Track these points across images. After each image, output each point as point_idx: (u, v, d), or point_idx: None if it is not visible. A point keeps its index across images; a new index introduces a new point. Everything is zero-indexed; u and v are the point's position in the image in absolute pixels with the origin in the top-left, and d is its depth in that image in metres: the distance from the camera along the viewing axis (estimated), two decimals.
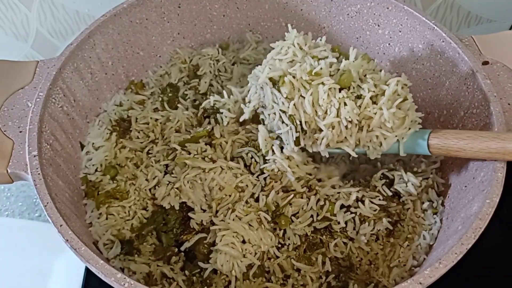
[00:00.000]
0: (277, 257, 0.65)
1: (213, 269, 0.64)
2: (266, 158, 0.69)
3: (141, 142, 0.78)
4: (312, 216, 0.66)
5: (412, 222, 0.68)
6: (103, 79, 0.81)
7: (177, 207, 0.69)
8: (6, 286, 0.81)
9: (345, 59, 0.63)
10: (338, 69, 0.63)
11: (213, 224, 0.66)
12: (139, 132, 0.79)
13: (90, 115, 0.80)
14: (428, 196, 0.70)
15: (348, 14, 0.82)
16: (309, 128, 0.63)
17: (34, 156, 0.62)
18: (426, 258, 0.65)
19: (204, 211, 0.69)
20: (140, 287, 0.51)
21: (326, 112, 0.62)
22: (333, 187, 0.69)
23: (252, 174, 0.70)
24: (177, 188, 0.69)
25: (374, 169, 0.73)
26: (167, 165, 0.74)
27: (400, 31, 0.78)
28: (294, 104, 0.62)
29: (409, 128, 0.62)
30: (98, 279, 0.54)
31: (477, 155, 0.59)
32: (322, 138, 0.63)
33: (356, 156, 0.64)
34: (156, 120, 0.79)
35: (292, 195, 0.67)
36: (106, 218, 0.70)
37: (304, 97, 0.62)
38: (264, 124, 0.70)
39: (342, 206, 0.66)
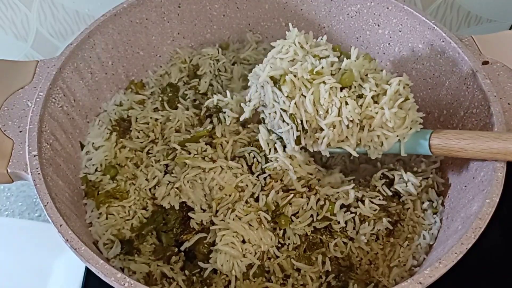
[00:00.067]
0: (277, 257, 0.65)
1: (213, 269, 0.64)
2: (268, 156, 0.69)
3: (141, 142, 0.78)
4: (312, 215, 0.66)
5: (412, 222, 0.68)
6: (103, 79, 0.81)
7: (177, 207, 0.69)
8: (5, 286, 0.81)
9: (346, 59, 0.63)
10: (340, 68, 0.63)
11: (213, 224, 0.66)
12: (139, 132, 0.79)
13: (90, 115, 0.80)
14: (428, 196, 0.70)
15: (348, 14, 0.82)
16: (310, 127, 0.63)
17: (34, 156, 0.62)
18: (426, 258, 0.65)
19: (204, 211, 0.69)
20: (140, 287, 0.51)
21: (327, 111, 0.61)
22: (332, 186, 0.69)
23: (253, 173, 0.70)
24: (177, 188, 0.69)
25: (374, 169, 0.73)
26: (167, 165, 0.74)
27: (400, 31, 0.78)
28: (295, 103, 0.62)
29: (410, 128, 0.62)
30: (98, 279, 0.54)
31: (478, 155, 0.59)
32: (323, 138, 0.63)
33: (357, 155, 0.64)
34: (156, 120, 0.79)
35: (292, 195, 0.67)
36: (106, 218, 0.70)
37: (305, 96, 0.61)
38: (264, 123, 0.70)
39: (342, 206, 0.66)
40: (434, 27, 0.73)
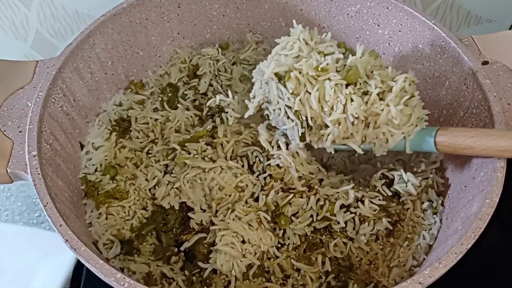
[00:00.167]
0: (277, 257, 0.65)
1: (212, 269, 0.64)
2: (271, 153, 0.69)
3: (141, 142, 0.78)
4: (312, 216, 0.66)
5: (412, 222, 0.68)
6: (103, 79, 0.81)
7: (176, 207, 0.69)
8: None
9: (352, 55, 0.62)
10: (345, 65, 0.62)
11: (212, 224, 0.66)
12: (138, 132, 0.79)
13: (90, 115, 0.80)
14: (428, 196, 0.70)
15: (348, 14, 0.82)
16: (315, 124, 0.63)
17: (34, 156, 0.62)
18: (426, 258, 0.65)
19: (204, 211, 0.69)
20: (140, 287, 0.51)
21: (332, 108, 0.61)
22: (332, 187, 0.69)
23: (253, 173, 0.70)
24: (176, 188, 0.69)
25: (374, 169, 0.73)
26: (167, 165, 0.74)
27: (400, 31, 0.78)
28: (300, 100, 0.61)
29: (416, 125, 0.62)
30: (98, 279, 0.54)
31: (485, 152, 0.59)
32: (328, 134, 0.62)
33: (362, 152, 0.64)
34: (156, 120, 0.79)
35: (292, 195, 0.67)
36: (106, 218, 0.70)
37: (310, 93, 0.61)
38: (268, 120, 0.69)
39: (342, 206, 0.66)
40: (434, 27, 0.73)
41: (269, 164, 0.69)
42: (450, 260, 0.52)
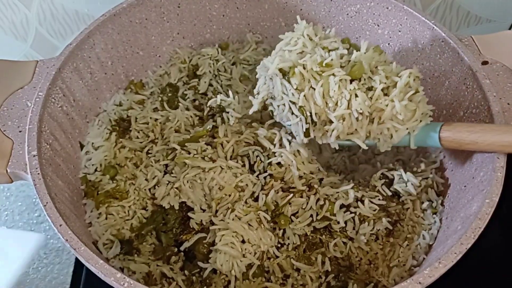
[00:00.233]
0: (277, 256, 0.65)
1: (212, 269, 0.64)
2: (273, 150, 0.69)
3: (141, 142, 0.78)
4: (311, 215, 0.66)
5: (411, 222, 0.68)
6: (103, 79, 0.81)
7: (176, 207, 0.69)
8: None
9: (356, 51, 0.62)
10: (349, 61, 0.62)
11: (212, 224, 0.66)
12: (138, 132, 0.79)
13: (89, 115, 0.80)
14: (428, 196, 0.70)
15: (347, 14, 0.82)
16: (319, 119, 0.62)
17: (34, 156, 0.62)
18: (425, 258, 0.65)
19: (204, 210, 0.69)
20: (139, 287, 0.51)
21: (336, 104, 0.61)
22: (332, 186, 0.69)
23: (254, 172, 0.70)
24: (176, 188, 0.69)
25: (374, 169, 0.73)
26: (166, 165, 0.74)
27: (399, 31, 0.78)
28: (304, 96, 0.61)
29: (420, 121, 0.62)
30: (98, 279, 0.54)
31: (490, 148, 0.59)
32: (333, 130, 0.62)
33: (366, 148, 0.64)
34: (156, 120, 0.79)
35: (292, 195, 0.67)
36: (106, 218, 0.70)
37: (314, 88, 0.61)
38: (273, 116, 0.69)
39: (341, 206, 0.66)
40: (433, 27, 0.73)
41: (270, 164, 0.69)
42: (450, 260, 0.52)
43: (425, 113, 0.62)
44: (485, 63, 0.72)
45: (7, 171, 0.63)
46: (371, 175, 0.71)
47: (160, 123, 0.79)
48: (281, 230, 0.66)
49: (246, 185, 0.69)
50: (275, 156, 0.69)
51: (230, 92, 0.76)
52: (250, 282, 0.63)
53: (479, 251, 0.56)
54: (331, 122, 0.62)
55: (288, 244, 0.66)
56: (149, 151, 0.76)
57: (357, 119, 0.61)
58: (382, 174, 0.70)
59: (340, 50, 0.63)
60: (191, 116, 0.79)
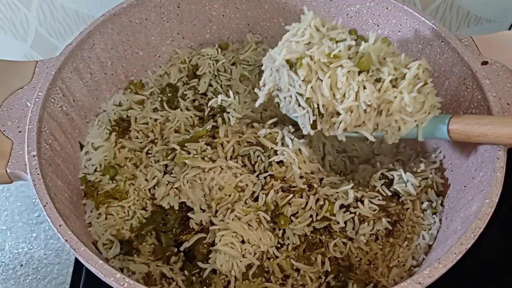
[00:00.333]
0: (277, 257, 0.65)
1: (212, 269, 0.64)
2: (275, 148, 0.69)
3: (141, 142, 0.78)
4: (311, 216, 0.66)
5: (411, 222, 0.68)
6: (103, 79, 0.81)
7: (176, 207, 0.69)
8: None
9: (364, 42, 0.61)
10: (357, 52, 0.61)
11: (212, 224, 0.66)
12: (138, 132, 0.79)
13: (89, 115, 0.80)
14: (428, 196, 0.70)
15: (347, 14, 0.82)
16: (326, 111, 0.62)
17: (33, 156, 0.62)
18: (425, 258, 0.65)
19: (204, 211, 0.69)
20: (139, 287, 0.51)
21: (344, 96, 0.60)
22: (332, 187, 0.69)
23: (254, 172, 0.70)
24: (176, 188, 0.69)
25: (374, 169, 0.73)
26: (166, 165, 0.74)
27: (399, 31, 0.78)
28: (311, 87, 0.60)
29: (429, 113, 0.61)
30: (98, 279, 0.54)
31: (499, 140, 0.59)
32: (340, 122, 0.62)
33: (374, 140, 0.63)
34: (156, 120, 0.79)
35: (292, 195, 0.67)
36: (106, 218, 0.70)
37: (321, 80, 0.60)
38: (279, 107, 0.68)
39: (341, 206, 0.66)
40: (433, 27, 0.73)
41: (271, 164, 0.69)
42: (450, 260, 0.52)
43: (434, 105, 0.61)
44: (485, 63, 0.72)
45: (6, 171, 0.63)
46: (371, 175, 0.71)
47: (160, 123, 0.79)
48: (281, 230, 0.66)
49: (246, 185, 0.69)
50: (277, 154, 0.69)
51: (230, 92, 0.76)
52: (250, 282, 0.63)
53: (479, 251, 0.56)
54: (338, 114, 0.61)
55: (288, 244, 0.66)
56: (149, 151, 0.76)
57: (365, 111, 0.60)
58: (382, 174, 0.70)
59: (347, 41, 0.62)
60: (191, 116, 0.79)
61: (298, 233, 0.66)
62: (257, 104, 0.69)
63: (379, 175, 0.70)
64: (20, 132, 0.67)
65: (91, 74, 0.78)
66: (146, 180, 0.73)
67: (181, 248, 0.67)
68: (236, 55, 0.87)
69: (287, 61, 0.62)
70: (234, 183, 0.68)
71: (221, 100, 0.75)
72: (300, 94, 0.62)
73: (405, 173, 0.69)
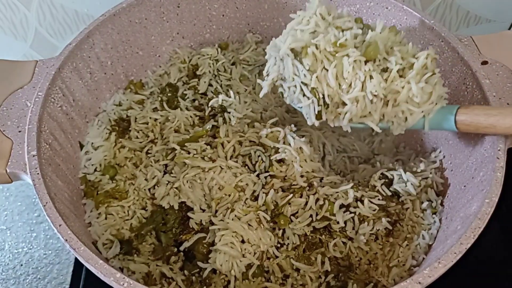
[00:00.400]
0: (276, 256, 0.65)
1: (212, 269, 0.64)
2: (277, 147, 0.69)
3: (140, 142, 0.78)
4: (311, 215, 0.66)
5: (411, 222, 0.68)
6: (102, 78, 0.81)
7: (176, 207, 0.69)
8: None
9: (371, 31, 0.60)
10: (363, 41, 0.60)
11: (212, 223, 0.66)
12: (138, 132, 0.79)
13: (89, 115, 0.80)
14: (427, 196, 0.70)
15: None
16: (331, 101, 0.60)
17: (33, 156, 0.62)
18: (425, 257, 0.65)
19: (204, 210, 0.69)
20: (139, 287, 0.51)
21: (350, 86, 0.59)
22: (332, 186, 0.69)
23: (254, 172, 0.70)
24: (176, 188, 0.69)
25: (373, 169, 0.73)
26: (166, 165, 0.74)
27: None
28: (317, 77, 0.59)
29: (436, 104, 0.60)
30: (97, 279, 0.54)
31: (508, 131, 0.58)
32: (346, 113, 0.60)
33: (380, 131, 0.62)
34: (155, 120, 0.79)
35: (292, 195, 0.67)
36: (105, 218, 0.70)
37: (327, 70, 0.59)
38: (283, 97, 0.67)
39: (341, 206, 0.66)
40: (433, 27, 0.73)
41: (272, 164, 0.69)
42: (450, 260, 0.52)
43: (441, 95, 0.60)
44: (484, 63, 0.72)
45: (6, 171, 0.63)
46: (371, 175, 0.71)
47: (159, 123, 0.79)
48: (281, 230, 0.66)
49: (246, 184, 0.69)
50: (279, 152, 0.69)
51: (231, 92, 0.75)
52: (249, 282, 0.63)
53: (479, 251, 0.56)
54: (344, 104, 0.60)
55: (288, 244, 0.66)
56: (149, 151, 0.76)
57: (371, 101, 0.59)
58: (382, 174, 0.70)
59: (354, 30, 0.60)
60: (191, 116, 0.79)
61: (298, 233, 0.66)
62: (261, 94, 0.68)
63: (379, 175, 0.70)
64: (20, 132, 0.67)
65: (91, 74, 0.78)
66: (146, 180, 0.73)
67: (181, 248, 0.67)
68: (236, 55, 0.87)
69: (292, 50, 0.61)
70: (234, 182, 0.68)
71: (222, 100, 0.75)
72: (305, 84, 0.61)
73: (405, 173, 0.69)
